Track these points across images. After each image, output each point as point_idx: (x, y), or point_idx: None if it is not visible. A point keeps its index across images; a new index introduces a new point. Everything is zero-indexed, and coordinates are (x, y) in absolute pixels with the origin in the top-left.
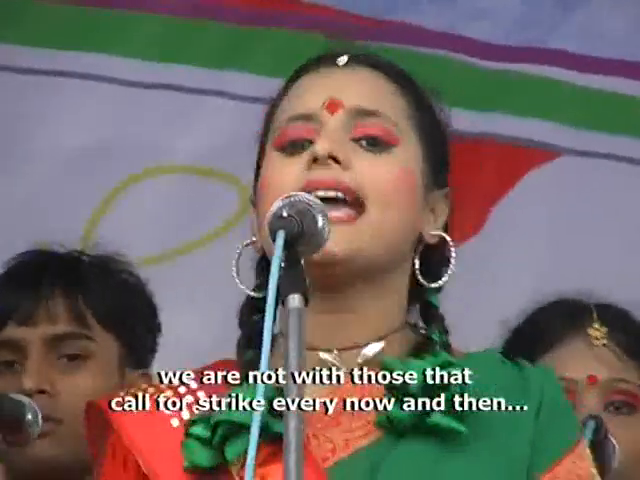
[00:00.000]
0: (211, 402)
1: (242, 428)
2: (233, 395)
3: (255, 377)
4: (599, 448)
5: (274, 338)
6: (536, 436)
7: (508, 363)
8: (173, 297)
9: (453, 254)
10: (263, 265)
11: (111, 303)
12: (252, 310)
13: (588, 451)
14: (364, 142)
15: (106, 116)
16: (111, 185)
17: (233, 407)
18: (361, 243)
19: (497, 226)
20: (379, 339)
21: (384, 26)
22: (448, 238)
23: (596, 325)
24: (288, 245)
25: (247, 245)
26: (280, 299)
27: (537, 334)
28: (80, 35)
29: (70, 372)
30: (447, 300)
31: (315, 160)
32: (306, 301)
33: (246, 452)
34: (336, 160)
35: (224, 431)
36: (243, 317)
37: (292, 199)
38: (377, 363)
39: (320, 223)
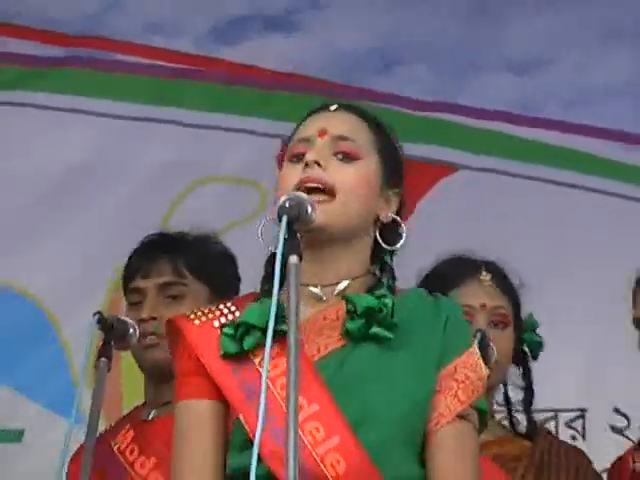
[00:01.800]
0: (236, 311)
1: (254, 327)
2: (249, 307)
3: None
4: (484, 351)
5: (281, 280)
6: (444, 341)
7: (428, 295)
8: None
9: (404, 230)
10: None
11: (199, 261)
12: (270, 262)
13: (477, 351)
14: (340, 156)
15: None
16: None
17: (247, 313)
18: (331, 218)
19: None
20: (347, 279)
21: (349, 90)
22: (399, 219)
23: (484, 273)
24: (289, 224)
25: (270, 219)
26: (285, 258)
27: (446, 277)
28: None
29: (171, 306)
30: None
31: (306, 165)
32: (300, 259)
33: (258, 343)
34: (319, 164)
35: (243, 329)
36: (266, 266)
37: (293, 195)
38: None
39: (309, 211)
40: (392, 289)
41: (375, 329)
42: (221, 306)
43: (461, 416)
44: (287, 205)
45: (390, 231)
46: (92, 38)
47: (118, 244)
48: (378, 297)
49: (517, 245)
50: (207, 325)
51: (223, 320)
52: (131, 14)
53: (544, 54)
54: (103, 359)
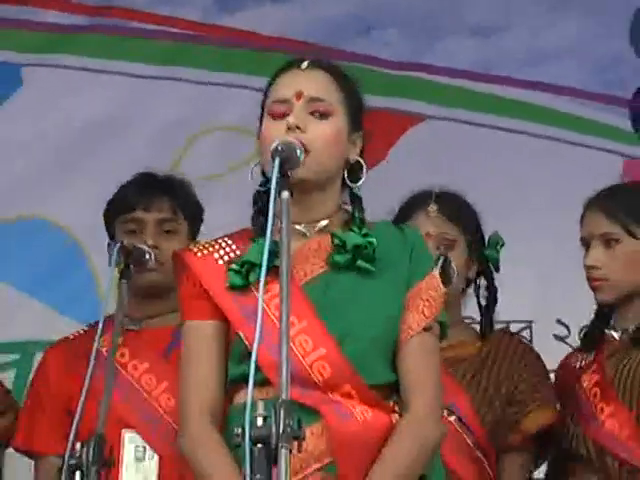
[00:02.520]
0: (233, 245)
1: (255, 264)
2: (252, 247)
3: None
4: (447, 271)
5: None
6: (410, 266)
7: (393, 227)
8: (220, 197)
9: (365, 168)
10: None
11: (187, 203)
12: (259, 198)
13: (437, 274)
14: (316, 114)
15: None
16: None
17: (251, 252)
18: (309, 171)
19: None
20: (327, 217)
21: (332, 51)
22: (362, 160)
23: (432, 205)
24: (281, 165)
25: (257, 164)
26: (277, 194)
27: (401, 211)
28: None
29: (167, 239)
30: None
31: (289, 127)
32: (291, 194)
33: (259, 277)
34: (298, 127)
35: (247, 266)
36: (255, 201)
37: (284, 140)
38: (326, 231)
39: (298, 153)
40: (363, 221)
41: (360, 262)
42: (219, 240)
43: (426, 328)
44: (279, 149)
45: (355, 170)
46: (111, 8)
47: None
48: (364, 235)
49: (476, 180)
50: (208, 257)
51: (222, 253)
52: None
53: (501, 20)
54: (123, 280)
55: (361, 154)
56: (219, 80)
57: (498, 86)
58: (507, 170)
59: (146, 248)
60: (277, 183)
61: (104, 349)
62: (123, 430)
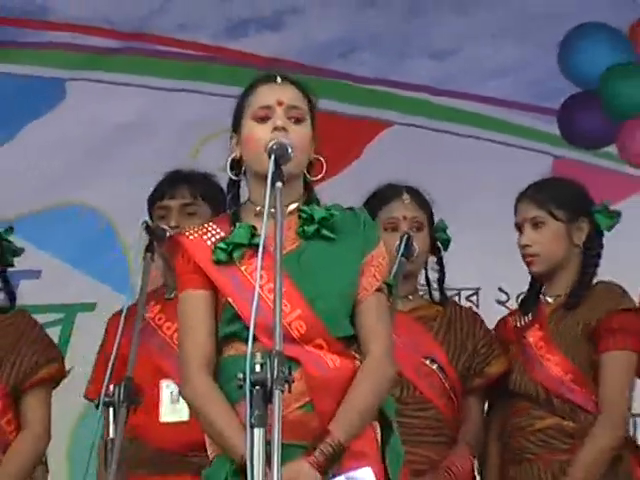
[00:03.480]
0: (217, 228)
1: (240, 245)
2: (235, 229)
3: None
4: (409, 248)
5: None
6: (363, 239)
7: (345, 208)
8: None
9: (324, 165)
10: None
11: (206, 190)
12: (233, 187)
13: (382, 244)
14: (292, 120)
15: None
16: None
17: (235, 235)
18: (294, 166)
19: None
20: (295, 202)
21: (319, 70)
22: (321, 158)
23: (405, 194)
24: (276, 161)
25: (232, 159)
26: (273, 185)
27: (379, 198)
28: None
29: (189, 220)
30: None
31: (275, 128)
32: (283, 184)
33: (243, 255)
34: (284, 128)
35: (232, 245)
36: (229, 189)
37: (279, 141)
38: (294, 213)
39: (290, 151)
40: (319, 203)
41: (325, 232)
42: (206, 225)
43: (378, 289)
44: (275, 147)
45: (313, 165)
46: (140, 34)
47: (159, 176)
48: (327, 209)
49: (433, 173)
50: (198, 239)
51: (209, 235)
52: (166, 18)
53: (455, 45)
54: (148, 254)
55: (315, 151)
56: (225, 92)
57: (452, 99)
58: (458, 166)
59: (167, 228)
60: (272, 175)
61: (147, 314)
62: (161, 380)
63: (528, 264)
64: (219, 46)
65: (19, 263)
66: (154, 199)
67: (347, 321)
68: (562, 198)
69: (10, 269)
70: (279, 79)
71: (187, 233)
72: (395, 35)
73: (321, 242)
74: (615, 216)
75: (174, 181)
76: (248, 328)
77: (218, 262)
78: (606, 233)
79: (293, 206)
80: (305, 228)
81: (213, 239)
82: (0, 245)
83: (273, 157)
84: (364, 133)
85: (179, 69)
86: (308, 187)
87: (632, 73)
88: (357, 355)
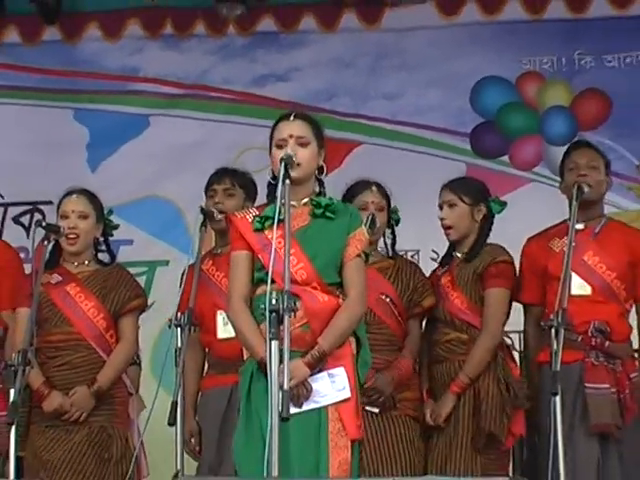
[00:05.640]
0: (256, 211)
1: (268, 218)
2: (266, 209)
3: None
4: (374, 223)
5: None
6: (349, 222)
7: (341, 201)
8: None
9: (325, 169)
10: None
11: (241, 180)
12: (270, 186)
13: (364, 227)
14: (300, 145)
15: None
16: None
17: (266, 212)
18: (300, 174)
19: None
20: (307, 197)
21: (312, 108)
22: (324, 165)
23: (373, 187)
24: (285, 166)
25: (270, 168)
26: (284, 182)
27: (354, 189)
28: None
29: (229, 200)
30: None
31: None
32: (291, 182)
33: (270, 226)
34: (294, 155)
35: (264, 218)
36: (268, 187)
37: (288, 153)
38: (308, 204)
39: (294, 159)
40: (324, 195)
41: (327, 213)
42: (250, 210)
43: (358, 255)
44: (284, 157)
45: (321, 169)
46: (195, 85)
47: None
48: (330, 199)
49: (389, 175)
50: (243, 218)
51: (251, 216)
52: (214, 74)
53: (400, 91)
54: (202, 227)
55: (324, 160)
56: (253, 123)
57: (400, 126)
58: (405, 169)
59: (214, 210)
60: (283, 177)
61: (204, 267)
62: (217, 311)
63: (446, 234)
64: (248, 92)
65: (119, 234)
66: (208, 184)
67: (335, 273)
68: (469, 189)
69: (112, 238)
70: (292, 117)
71: (237, 214)
72: (362, 85)
73: (322, 221)
74: (503, 204)
75: (220, 173)
76: (272, 275)
77: (255, 230)
78: (497, 215)
79: (306, 199)
80: (315, 211)
81: (252, 217)
82: (104, 223)
83: (283, 164)
84: (343, 150)
85: (223, 108)
86: (321, 184)
87: (517, 109)
88: (341, 296)
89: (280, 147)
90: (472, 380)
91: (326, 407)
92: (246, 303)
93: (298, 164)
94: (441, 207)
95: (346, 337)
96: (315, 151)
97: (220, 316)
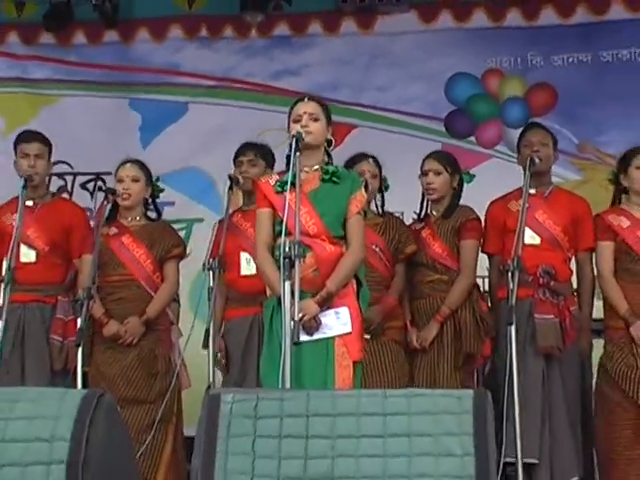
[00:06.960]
0: (280, 178)
1: (286, 182)
2: (284, 176)
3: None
4: (367, 187)
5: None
6: (351, 185)
7: (345, 169)
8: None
9: (333, 142)
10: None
11: (262, 151)
12: (288, 157)
13: (363, 190)
14: (312, 119)
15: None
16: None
17: (284, 177)
18: (312, 141)
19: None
20: (317, 164)
21: (321, 97)
22: (332, 139)
23: (370, 159)
24: (297, 142)
25: (288, 142)
26: (294, 154)
27: (353, 160)
28: None
29: (252, 168)
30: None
31: (301, 126)
32: (300, 153)
33: (288, 189)
34: (306, 126)
35: (283, 183)
36: (287, 158)
37: (298, 130)
38: (318, 170)
39: (303, 135)
40: (332, 164)
41: (334, 178)
42: (273, 175)
43: (358, 212)
44: (295, 132)
45: (329, 142)
46: (225, 78)
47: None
48: (336, 167)
49: (381, 151)
50: (268, 183)
51: (273, 180)
52: (239, 69)
53: (389, 85)
54: (229, 191)
55: (332, 134)
56: (272, 109)
57: (389, 112)
58: (393, 147)
59: (239, 176)
60: (294, 150)
61: (234, 220)
62: (241, 252)
63: (428, 194)
64: (267, 84)
65: (163, 198)
66: (235, 157)
67: (340, 228)
68: (450, 161)
69: (158, 200)
70: (306, 99)
71: (262, 179)
72: (359, 79)
73: (330, 185)
74: (472, 176)
75: (245, 146)
76: (287, 228)
77: (276, 192)
78: (466, 184)
79: (317, 166)
80: (324, 176)
81: (274, 182)
82: (152, 187)
83: (294, 139)
84: (343, 131)
85: (246, 97)
86: (329, 156)
87: (482, 99)
88: (344, 246)
89: (297, 122)
90: (452, 311)
91: (333, 337)
92: (269, 251)
93: (311, 132)
94: (426, 173)
95: (349, 279)
96: (324, 125)
97: (244, 256)
